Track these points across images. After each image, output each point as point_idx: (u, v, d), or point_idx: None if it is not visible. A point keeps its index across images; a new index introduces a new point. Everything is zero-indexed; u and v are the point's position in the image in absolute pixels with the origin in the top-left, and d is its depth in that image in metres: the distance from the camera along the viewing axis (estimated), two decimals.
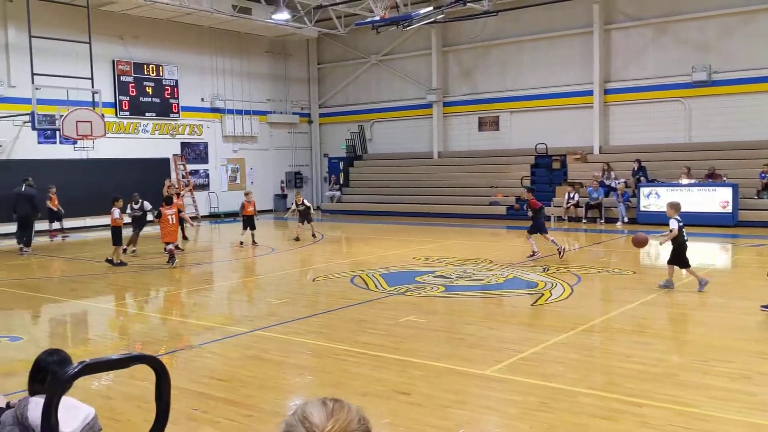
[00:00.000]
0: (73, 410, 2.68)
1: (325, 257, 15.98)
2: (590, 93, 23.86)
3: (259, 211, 28.41)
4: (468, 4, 23.03)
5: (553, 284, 11.15)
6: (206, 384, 6.50)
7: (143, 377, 6.51)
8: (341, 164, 29.87)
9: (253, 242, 17.72)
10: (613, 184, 21.54)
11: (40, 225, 20.50)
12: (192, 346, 8.09)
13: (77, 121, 18.50)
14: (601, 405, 5.68)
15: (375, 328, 8.62)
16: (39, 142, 22.14)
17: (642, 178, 21.20)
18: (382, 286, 11.47)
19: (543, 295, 10.38)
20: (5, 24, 21.36)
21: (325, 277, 12.51)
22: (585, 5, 23.63)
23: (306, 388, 6.53)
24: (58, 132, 20.03)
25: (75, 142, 20.33)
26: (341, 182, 29.22)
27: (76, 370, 2.01)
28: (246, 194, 18.80)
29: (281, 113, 30.41)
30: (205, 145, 27.51)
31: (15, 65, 21.27)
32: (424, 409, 5.70)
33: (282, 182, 30.60)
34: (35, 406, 2.60)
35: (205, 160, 27.55)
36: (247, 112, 28.77)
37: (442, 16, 23.51)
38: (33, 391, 3.06)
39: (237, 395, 6.20)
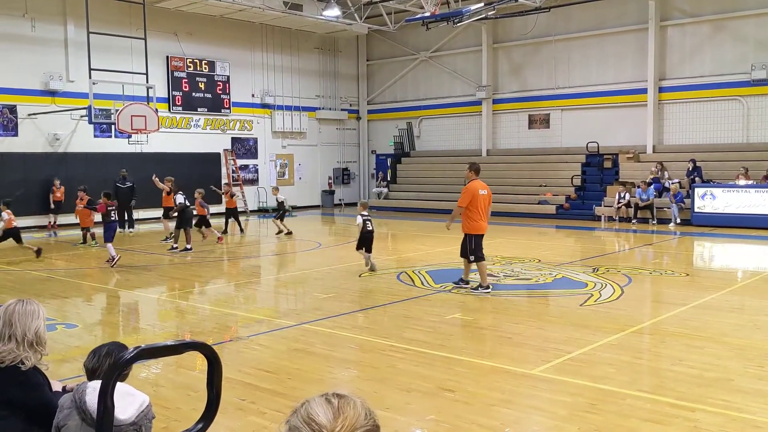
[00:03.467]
0: (129, 397, 2.73)
1: (372, 254, 16.00)
2: (644, 91, 23.36)
3: (306, 207, 28.87)
4: (519, 0, 22.78)
5: (603, 285, 10.96)
6: (253, 375, 6.58)
7: (192, 366, 6.64)
8: (389, 161, 29.91)
9: (282, 231, 19.06)
10: (666, 184, 21.05)
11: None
12: (240, 338, 8.20)
13: (132, 116, 18.92)
14: (651, 408, 5.55)
15: (421, 324, 8.60)
16: (95, 136, 22.76)
17: (697, 179, 20.67)
18: (428, 283, 11.44)
19: (592, 295, 10.21)
20: (65, 20, 21.99)
21: (371, 273, 12.53)
22: (639, 2, 23.15)
23: (351, 381, 6.56)
24: (113, 126, 20.55)
25: (129, 136, 20.81)
26: (388, 179, 29.25)
27: (132, 354, 2.06)
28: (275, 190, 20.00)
29: (330, 109, 30.59)
30: (255, 140, 27.85)
31: (73, 60, 21.89)
32: (469, 407, 5.67)
33: (330, 178, 30.80)
34: (93, 391, 2.66)
35: (254, 156, 27.90)
36: (296, 108, 29.03)
37: (493, 12, 23.31)
38: (95, 374, 3.14)
39: (283, 387, 6.26)
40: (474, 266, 10.75)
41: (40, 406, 3.24)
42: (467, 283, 10.77)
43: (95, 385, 2.62)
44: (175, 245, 16.19)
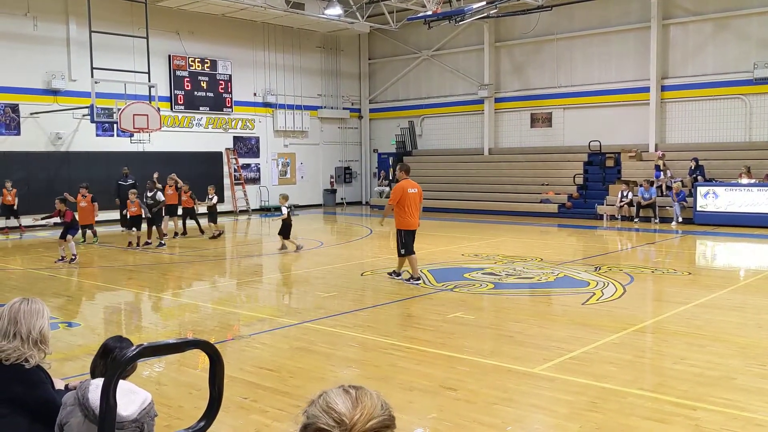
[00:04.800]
0: (131, 395, 2.74)
1: (373, 252, 16.03)
2: (646, 90, 23.34)
3: (308, 206, 28.89)
4: None
5: (605, 284, 10.96)
6: (255, 373, 6.59)
7: (194, 365, 6.65)
8: (391, 160, 29.89)
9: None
10: (669, 183, 21.03)
11: None
12: (242, 336, 8.21)
13: (134, 115, 18.95)
14: (653, 407, 5.55)
15: (422, 323, 8.61)
16: (97, 135, 22.78)
17: (699, 177, 20.66)
18: (430, 281, 11.44)
19: (594, 294, 10.21)
20: (67, 19, 22.01)
21: (373, 272, 12.53)
22: (641, 0, 23.13)
23: (353, 380, 6.55)
24: (115, 125, 20.58)
25: (131, 135, 20.83)
26: (390, 178, 29.22)
27: (135, 352, 2.06)
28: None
29: (332, 108, 30.58)
30: (257, 139, 27.86)
31: (75, 59, 21.90)
32: (471, 405, 5.67)
33: (332, 177, 30.80)
34: (96, 388, 2.67)
35: (256, 155, 27.91)
36: (298, 107, 29.03)
37: (495, 11, 23.29)
38: (96, 374, 3.15)
39: (285, 385, 6.27)
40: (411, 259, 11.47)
41: (43, 403, 3.25)
42: (399, 275, 11.48)
43: (98, 383, 2.63)
44: (162, 242, 16.81)
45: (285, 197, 15.55)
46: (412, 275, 11.24)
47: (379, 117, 31.60)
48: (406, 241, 11.20)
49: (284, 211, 15.00)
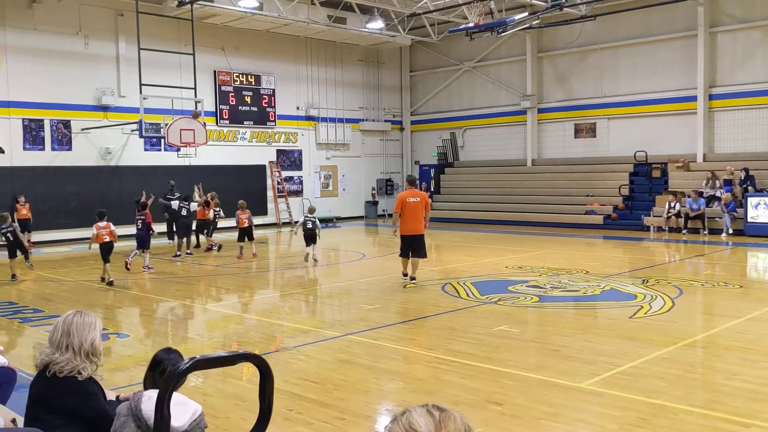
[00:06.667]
0: (182, 406, 2.79)
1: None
2: (693, 99, 22.89)
3: (350, 218, 29.01)
4: (564, 9, 22.59)
5: (653, 297, 10.75)
6: (300, 385, 6.63)
7: (239, 376, 6.72)
8: (432, 171, 29.88)
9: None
10: (717, 194, 20.55)
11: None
12: (287, 348, 8.28)
13: (181, 130, 19.31)
14: (704, 424, 5.42)
15: (466, 336, 8.56)
16: (145, 150, 23.28)
17: (750, 188, 20.14)
18: (473, 294, 11.38)
19: (642, 307, 10.01)
20: (116, 37, 22.61)
21: (416, 285, 12.51)
22: (688, 8, 22.72)
23: (397, 393, 6.56)
24: (162, 140, 21.00)
25: (178, 150, 21.22)
26: (432, 189, 29.20)
27: (188, 365, 2.10)
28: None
29: (373, 121, 30.73)
30: (300, 152, 28.14)
31: (124, 76, 22.47)
32: (517, 420, 5.61)
33: (373, 189, 30.90)
34: (148, 400, 2.73)
35: (299, 167, 28.18)
36: (340, 120, 29.25)
37: (537, 21, 23.16)
38: (147, 386, 3.22)
39: (329, 398, 6.29)
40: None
41: (96, 415, 3.33)
42: (413, 279, 12.51)
43: (151, 394, 2.69)
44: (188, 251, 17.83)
45: (312, 210, 15.95)
46: (410, 275, 12.59)
47: (421, 129, 31.63)
48: (402, 244, 12.57)
49: (301, 219, 15.53)
